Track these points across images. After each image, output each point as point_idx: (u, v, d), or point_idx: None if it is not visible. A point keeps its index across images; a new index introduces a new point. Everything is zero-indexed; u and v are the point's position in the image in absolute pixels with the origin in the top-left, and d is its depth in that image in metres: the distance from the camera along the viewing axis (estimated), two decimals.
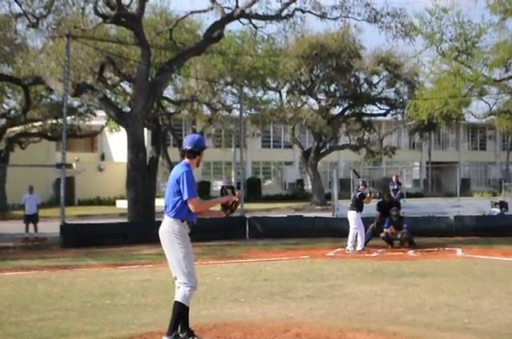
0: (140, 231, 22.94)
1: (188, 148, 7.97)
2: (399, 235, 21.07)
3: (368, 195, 20.63)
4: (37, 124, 44.96)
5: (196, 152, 7.99)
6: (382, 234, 21.09)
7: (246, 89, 41.72)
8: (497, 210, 28.71)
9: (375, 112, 53.42)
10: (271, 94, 50.05)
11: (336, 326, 8.79)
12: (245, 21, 30.04)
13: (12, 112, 42.91)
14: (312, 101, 51.72)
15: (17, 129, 44.76)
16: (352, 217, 20.44)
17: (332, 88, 51.46)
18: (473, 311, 10.29)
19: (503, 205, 28.92)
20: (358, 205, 20.49)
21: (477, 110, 48.82)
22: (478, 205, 31.10)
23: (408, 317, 9.81)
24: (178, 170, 7.90)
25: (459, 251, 19.99)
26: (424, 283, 13.36)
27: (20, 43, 35.08)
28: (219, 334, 8.59)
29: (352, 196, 21.36)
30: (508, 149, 69.72)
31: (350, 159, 60.68)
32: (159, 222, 8.04)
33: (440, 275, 14.67)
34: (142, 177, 27.11)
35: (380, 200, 23.29)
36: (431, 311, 10.37)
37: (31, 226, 26.09)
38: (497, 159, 73.98)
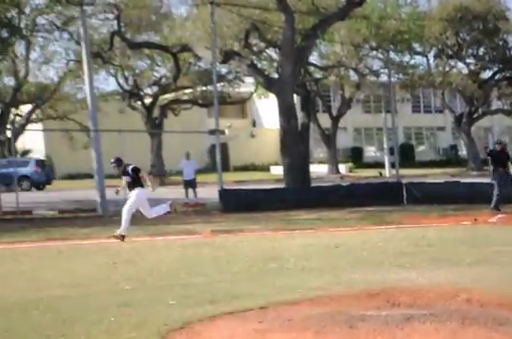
0: (297, 196, 23.09)
1: None
2: None
3: None
4: (187, 91, 46.06)
5: None
6: None
7: (392, 54, 41.26)
8: None
9: None
10: (418, 58, 49.47)
11: (509, 293, 8.52)
12: None
13: (163, 80, 44.18)
14: (460, 65, 50.75)
15: (169, 96, 46.03)
16: None
17: (481, 51, 50.25)
18: None
19: None
20: None
21: None
22: None
23: None
24: None
25: None
26: None
27: (165, 12, 35.99)
28: (388, 298, 8.51)
29: None
30: None
31: (505, 124, 59.16)
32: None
33: None
34: (295, 143, 27.22)
35: None
36: None
37: (190, 191, 26.76)
38: None
